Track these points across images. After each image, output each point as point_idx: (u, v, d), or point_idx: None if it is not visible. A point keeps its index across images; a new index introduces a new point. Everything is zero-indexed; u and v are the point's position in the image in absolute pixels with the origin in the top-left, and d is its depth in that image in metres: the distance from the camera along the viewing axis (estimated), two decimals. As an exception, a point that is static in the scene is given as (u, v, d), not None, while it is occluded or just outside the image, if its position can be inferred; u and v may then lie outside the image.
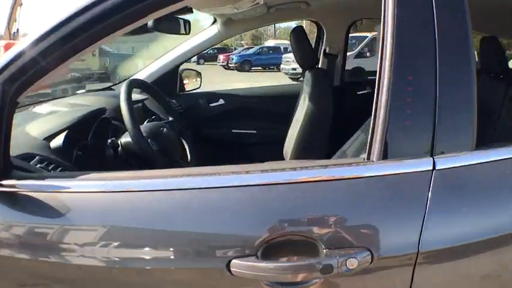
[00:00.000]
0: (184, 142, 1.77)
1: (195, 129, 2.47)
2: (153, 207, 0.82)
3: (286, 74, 14.90)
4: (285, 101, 2.53)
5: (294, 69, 14.31)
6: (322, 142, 1.95)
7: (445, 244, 0.77)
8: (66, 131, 1.36)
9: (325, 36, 2.53)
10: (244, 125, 2.60)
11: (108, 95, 2.07)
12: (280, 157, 2.43)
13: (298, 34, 2.10)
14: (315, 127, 1.93)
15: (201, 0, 1.85)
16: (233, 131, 2.60)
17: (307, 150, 1.97)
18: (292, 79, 14.34)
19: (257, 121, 2.63)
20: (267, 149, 2.56)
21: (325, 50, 2.51)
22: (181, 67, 2.47)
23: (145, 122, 1.71)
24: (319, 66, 2.51)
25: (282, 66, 15.44)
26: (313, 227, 0.77)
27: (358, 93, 2.67)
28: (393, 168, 0.78)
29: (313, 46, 2.52)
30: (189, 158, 1.75)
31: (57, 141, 1.32)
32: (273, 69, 17.18)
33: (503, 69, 1.99)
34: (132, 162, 1.44)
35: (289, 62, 14.69)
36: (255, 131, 2.61)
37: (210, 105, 2.59)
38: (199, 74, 2.62)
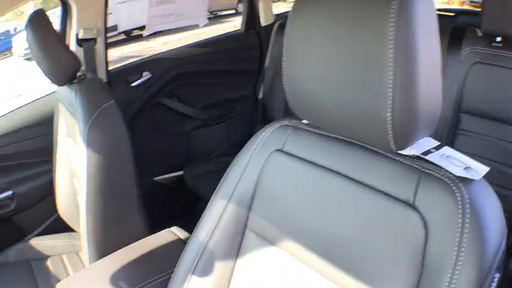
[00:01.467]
0: None
1: None
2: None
3: (19, 56, 12.71)
4: None
5: (27, 48, 12.30)
6: (132, 205, 1.47)
7: None
8: None
9: (75, 15, 1.82)
10: None
11: None
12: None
13: (37, 25, 1.45)
14: (115, 189, 1.41)
15: None
16: None
17: (116, 223, 1.45)
18: (29, 59, 12.39)
19: None
20: None
21: (77, 35, 1.84)
22: None
23: None
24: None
25: (12, 50, 13.02)
26: None
27: (134, 84, 2.15)
28: None
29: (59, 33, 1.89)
30: None
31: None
32: (7, 54, 14.79)
33: None
34: None
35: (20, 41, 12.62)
36: None
37: None
38: None
